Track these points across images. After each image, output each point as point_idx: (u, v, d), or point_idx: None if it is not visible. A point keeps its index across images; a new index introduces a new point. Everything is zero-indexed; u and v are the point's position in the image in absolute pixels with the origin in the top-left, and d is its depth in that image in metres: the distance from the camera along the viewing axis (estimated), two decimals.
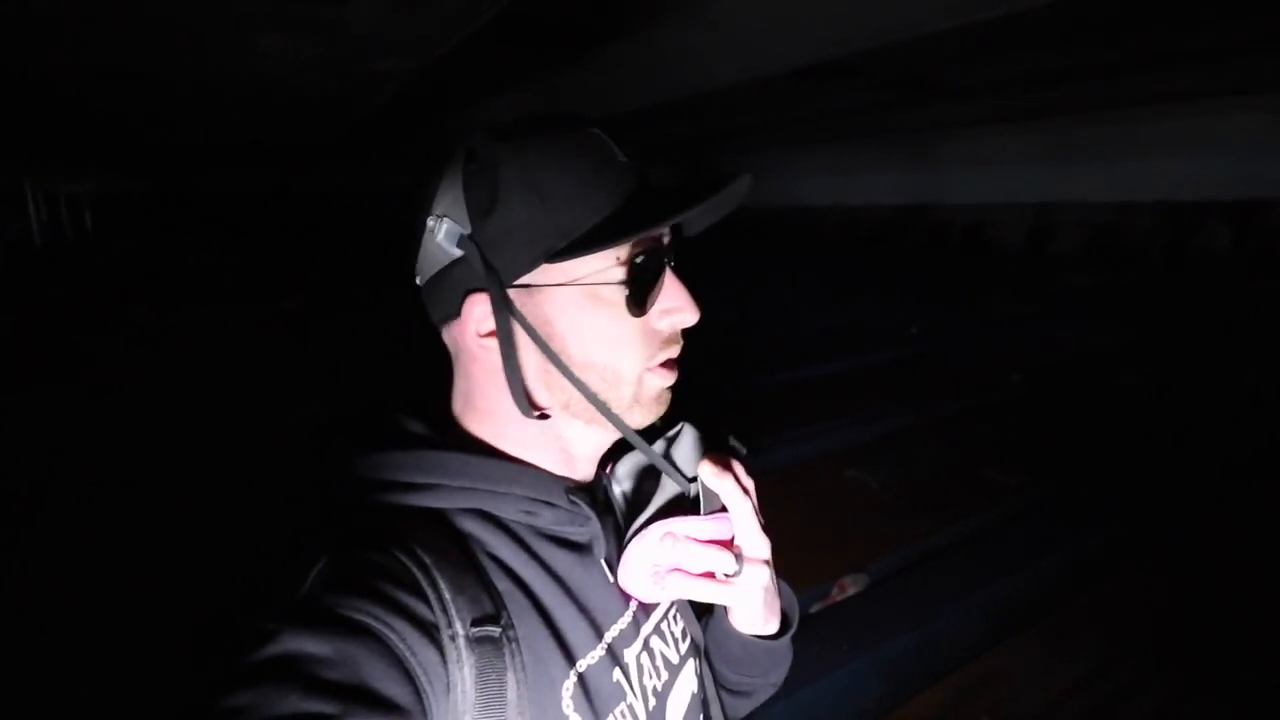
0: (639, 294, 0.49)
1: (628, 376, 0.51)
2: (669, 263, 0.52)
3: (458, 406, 0.56)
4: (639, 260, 0.49)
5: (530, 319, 0.49)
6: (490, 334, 0.50)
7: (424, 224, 0.50)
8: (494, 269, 0.48)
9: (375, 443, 0.52)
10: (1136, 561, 3.01)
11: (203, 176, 13.65)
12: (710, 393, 4.53)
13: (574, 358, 0.50)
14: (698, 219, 0.54)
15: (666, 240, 0.52)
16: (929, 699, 2.15)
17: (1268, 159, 6.67)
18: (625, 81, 6.48)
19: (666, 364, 0.53)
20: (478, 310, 0.50)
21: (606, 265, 0.49)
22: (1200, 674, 2.30)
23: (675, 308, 0.52)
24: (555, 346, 0.50)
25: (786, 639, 0.60)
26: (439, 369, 0.57)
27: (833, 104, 7.60)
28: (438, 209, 0.50)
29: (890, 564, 2.82)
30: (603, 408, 0.50)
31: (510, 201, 0.48)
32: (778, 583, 0.60)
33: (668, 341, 0.53)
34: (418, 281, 0.54)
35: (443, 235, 0.49)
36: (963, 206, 12.48)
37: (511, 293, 0.49)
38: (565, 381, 0.50)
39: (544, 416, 0.52)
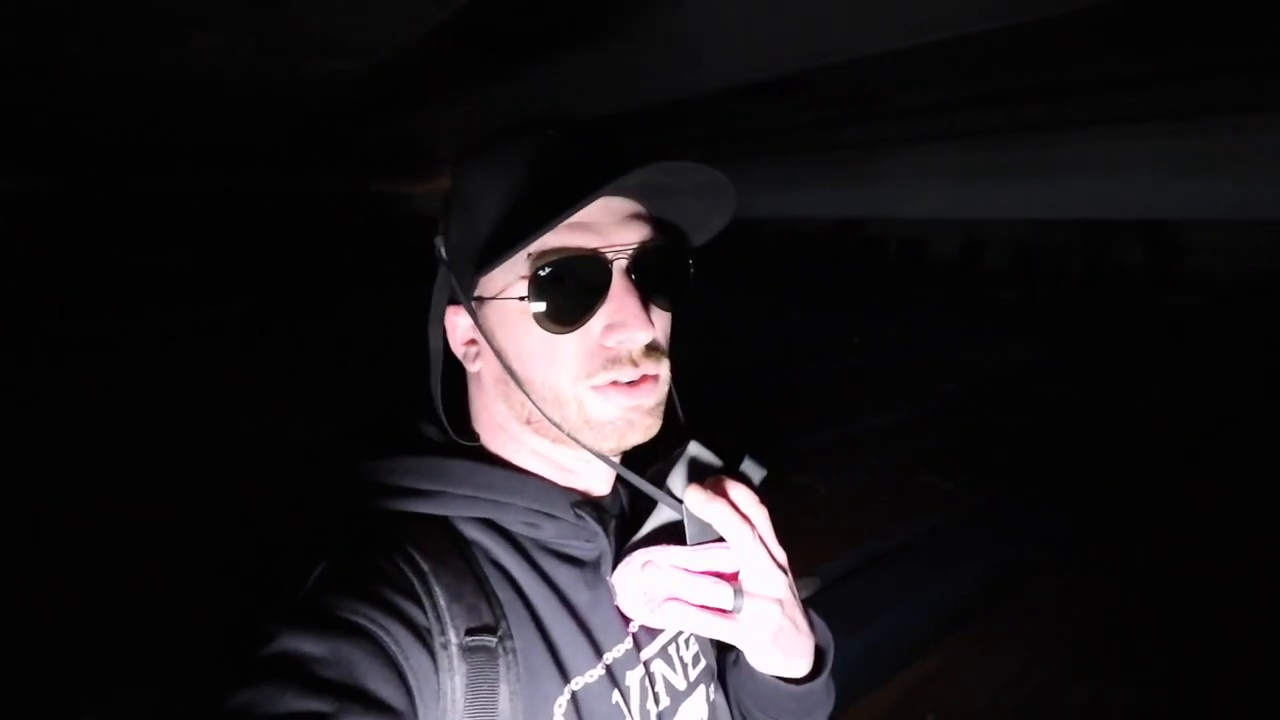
0: (550, 308, 0.46)
1: (566, 396, 0.48)
2: (623, 270, 0.47)
3: (470, 414, 0.56)
4: (543, 273, 0.46)
5: (484, 331, 0.50)
6: (466, 344, 0.52)
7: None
8: (457, 281, 0.50)
9: (386, 447, 0.52)
10: (1063, 560, 3.17)
11: (137, 177, 12.96)
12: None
13: (519, 373, 0.49)
14: (699, 220, 0.52)
15: (617, 248, 0.47)
16: (877, 699, 2.21)
17: (1174, 181, 7.16)
18: (573, 93, 6.50)
19: (629, 384, 0.48)
20: (454, 322, 0.52)
21: (514, 278, 0.47)
22: (1124, 663, 2.45)
23: (619, 323, 0.47)
24: (504, 360, 0.49)
25: (819, 684, 0.54)
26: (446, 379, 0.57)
27: (778, 120, 7.79)
28: (440, 223, 0.52)
29: (839, 568, 2.90)
30: (558, 426, 0.48)
31: (455, 217, 0.50)
32: (809, 619, 0.55)
33: (614, 361, 0.47)
34: None
35: (436, 252, 0.51)
36: (900, 221, 12.97)
37: (474, 305, 0.50)
38: (522, 395, 0.49)
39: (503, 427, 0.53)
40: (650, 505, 0.52)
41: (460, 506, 0.49)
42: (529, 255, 0.46)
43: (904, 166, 9.41)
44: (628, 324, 0.47)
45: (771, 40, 4.65)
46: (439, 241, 0.51)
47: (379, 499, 0.49)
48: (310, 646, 0.39)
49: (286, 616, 0.41)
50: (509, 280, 0.48)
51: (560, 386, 0.48)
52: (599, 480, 0.55)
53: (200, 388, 5.51)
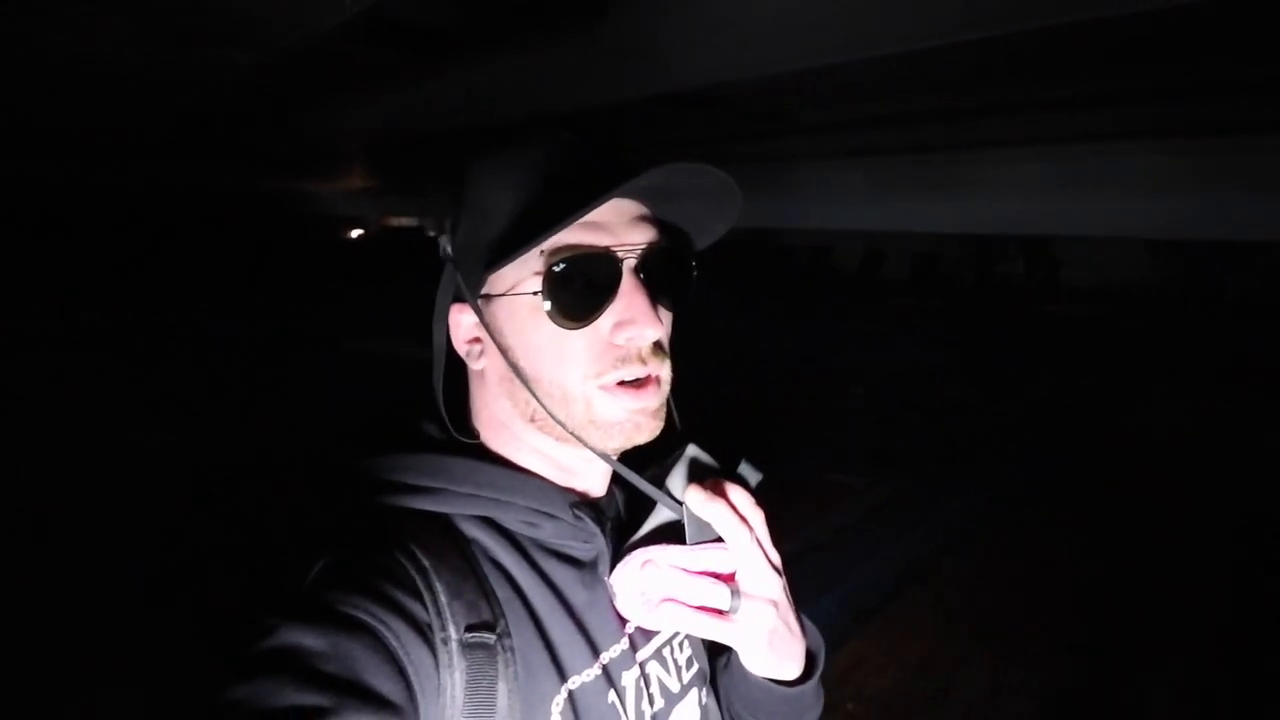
0: (564, 304, 0.47)
1: (574, 394, 0.48)
2: (631, 269, 0.48)
3: (472, 412, 0.55)
4: (557, 269, 0.46)
5: (490, 328, 0.50)
6: (469, 341, 0.52)
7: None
8: (464, 279, 0.50)
9: (388, 445, 0.52)
10: (966, 548, 3.38)
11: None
12: None
13: (525, 370, 0.49)
14: (704, 224, 0.53)
15: (627, 247, 0.48)
16: None
17: (1053, 201, 7.79)
18: (482, 96, 6.39)
19: (634, 384, 0.48)
20: (459, 320, 0.52)
21: (528, 274, 0.47)
22: (1020, 643, 2.62)
23: (629, 320, 0.47)
24: (510, 357, 0.49)
25: (809, 686, 0.54)
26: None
27: (694, 131, 7.94)
28: (444, 225, 0.53)
29: None
30: (562, 425, 0.48)
31: (464, 217, 0.50)
32: (801, 622, 0.55)
33: (623, 360, 0.48)
34: None
35: (442, 251, 0.51)
36: (809, 232, 13.48)
37: (481, 303, 0.50)
38: (527, 393, 0.49)
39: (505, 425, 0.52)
40: (647, 508, 0.52)
41: (461, 504, 0.49)
42: (542, 252, 0.47)
43: (814, 180, 9.80)
44: (637, 321, 0.47)
45: (690, 52, 4.73)
46: (444, 240, 0.51)
47: (379, 496, 0.49)
48: (310, 641, 0.39)
49: (287, 611, 0.41)
50: (521, 276, 0.48)
51: (568, 384, 0.48)
52: (597, 481, 0.55)
53: (81, 401, 5.05)
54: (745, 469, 0.53)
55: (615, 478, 0.56)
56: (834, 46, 4.37)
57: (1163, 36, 3.69)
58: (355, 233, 23.54)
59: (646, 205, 0.51)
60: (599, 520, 0.52)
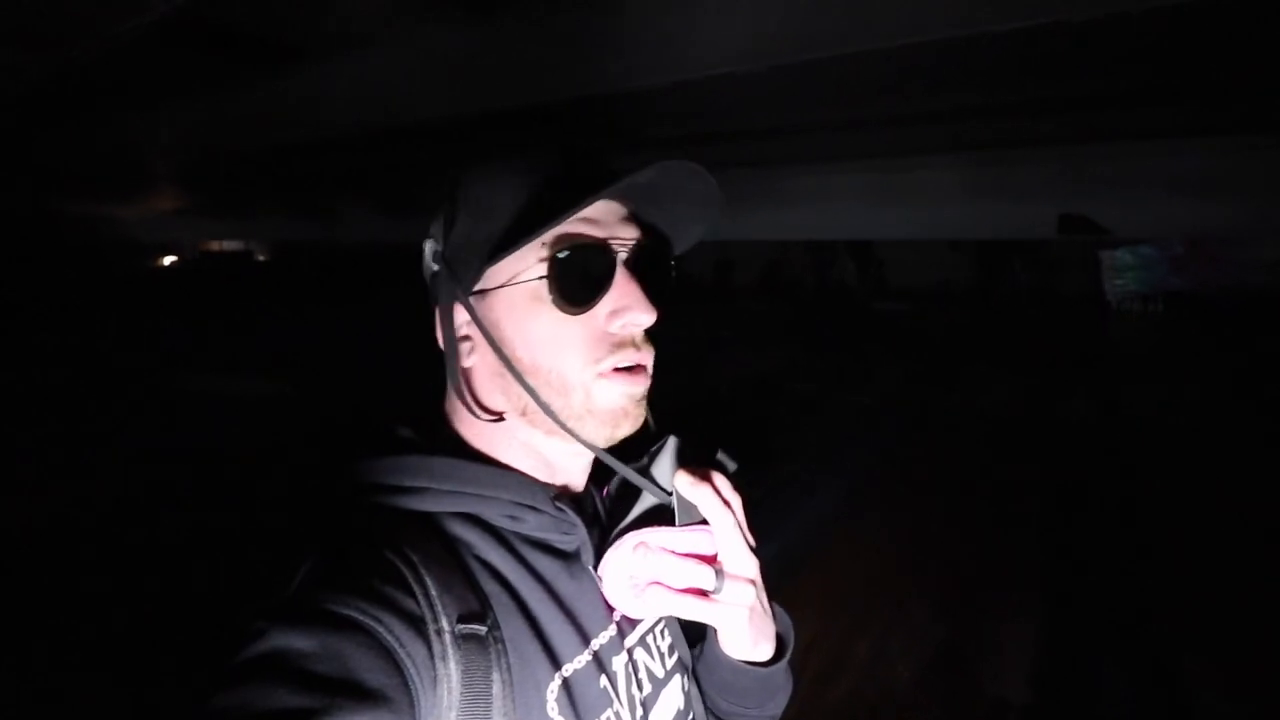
0: (568, 290, 0.49)
1: (573, 382, 0.50)
2: (623, 261, 0.51)
3: (450, 411, 0.56)
4: (561, 255, 0.49)
5: (484, 323, 0.51)
6: (463, 338, 0.53)
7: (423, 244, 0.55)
8: (455, 277, 0.52)
9: (367, 448, 0.52)
10: (837, 533, 3.63)
11: None
12: None
13: (522, 361, 0.50)
14: (684, 228, 0.57)
15: (621, 241, 0.51)
16: None
17: (876, 210, 8.62)
18: (313, 106, 6.03)
19: (628, 370, 0.51)
20: (450, 317, 0.53)
21: (532, 263, 0.50)
22: (897, 614, 2.86)
23: (624, 307, 0.50)
24: (506, 350, 0.51)
25: (781, 666, 0.57)
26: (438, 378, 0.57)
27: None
28: (430, 232, 0.55)
29: None
30: (553, 416, 0.50)
31: (461, 216, 0.52)
32: (771, 606, 0.57)
33: (620, 345, 0.51)
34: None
35: (428, 254, 0.54)
36: None
37: (473, 300, 0.52)
38: (519, 387, 0.50)
39: (499, 419, 0.53)
40: (628, 501, 0.54)
41: (444, 502, 0.50)
42: (543, 243, 0.50)
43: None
44: (632, 307, 0.50)
45: (529, 70, 4.75)
46: (431, 245, 0.54)
47: (363, 498, 0.49)
48: (301, 642, 0.39)
49: (276, 613, 0.41)
50: (521, 267, 0.50)
51: (568, 372, 0.50)
52: (577, 476, 0.57)
53: None
54: (722, 457, 0.55)
55: (592, 476, 0.58)
56: (680, 65, 4.57)
57: (949, 67, 4.21)
58: (168, 260, 21.17)
59: (633, 207, 0.54)
60: (580, 512, 0.53)
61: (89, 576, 2.97)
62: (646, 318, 0.51)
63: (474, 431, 0.54)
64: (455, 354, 0.53)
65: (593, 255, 0.50)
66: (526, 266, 0.50)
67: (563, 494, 0.54)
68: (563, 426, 0.50)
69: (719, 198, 0.54)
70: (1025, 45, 3.63)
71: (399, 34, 4.72)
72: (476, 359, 0.53)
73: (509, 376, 0.50)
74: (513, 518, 0.51)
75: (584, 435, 0.50)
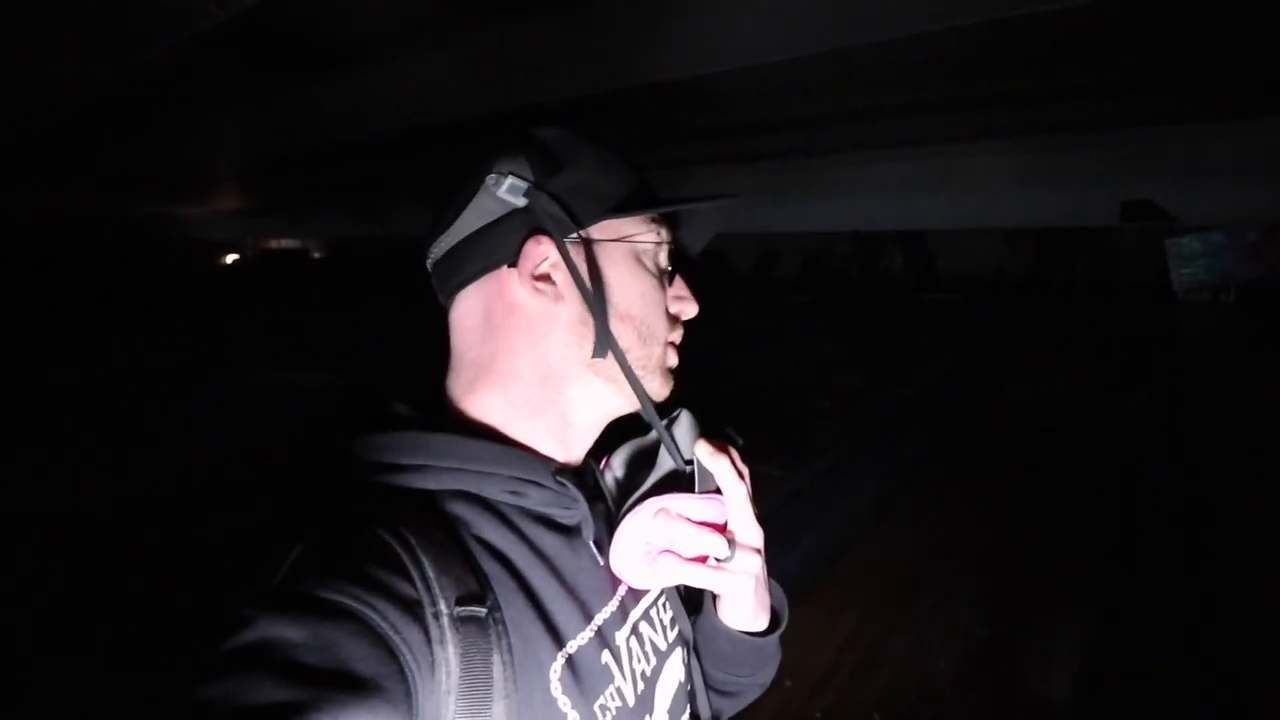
0: (670, 266, 0.56)
1: (659, 336, 0.55)
2: (678, 260, 0.58)
3: (464, 379, 0.55)
4: (668, 237, 0.56)
5: (581, 270, 0.52)
6: (542, 277, 0.52)
7: (479, 180, 0.52)
8: (559, 218, 0.52)
9: (363, 426, 0.51)
10: (876, 529, 3.57)
11: None
12: None
13: (617, 308, 0.53)
14: (699, 237, 0.63)
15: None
16: None
17: (920, 198, 8.42)
18: (372, 109, 6.18)
19: (675, 346, 0.57)
20: (537, 252, 0.52)
21: (642, 230, 0.55)
22: (938, 608, 2.81)
23: (684, 296, 0.57)
24: (603, 294, 0.52)
25: (775, 637, 0.59)
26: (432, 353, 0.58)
27: None
28: (500, 166, 0.52)
29: None
30: (629, 365, 0.52)
31: (579, 165, 0.53)
32: (768, 578, 0.59)
33: (675, 323, 0.57)
34: (439, 249, 0.55)
35: (505, 188, 0.51)
36: None
37: (568, 244, 0.52)
38: (600, 334, 0.52)
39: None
40: (638, 469, 0.57)
41: (443, 479, 0.49)
42: (654, 219, 0.55)
43: (704, 185, 10.08)
44: (689, 299, 0.58)
45: (579, 61, 4.77)
46: (511, 180, 0.51)
47: (362, 476, 0.49)
48: (290, 631, 0.38)
49: (264, 601, 0.39)
50: (636, 231, 0.54)
51: (656, 327, 0.54)
52: (579, 450, 0.57)
53: None
54: (731, 431, 0.57)
55: (590, 450, 0.58)
56: (720, 56, 4.53)
57: (999, 50, 4.07)
58: (230, 258, 22.04)
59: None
60: (580, 486, 0.54)
61: (156, 563, 3.13)
62: (694, 309, 0.58)
63: (478, 406, 0.54)
64: (535, 298, 0.52)
65: (676, 246, 0.57)
66: (640, 231, 0.54)
67: (563, 469, 0.54)
68: (636, 375, 0.53)
69: (724, 224, 0.62)
70: (1086, 24, 3.49)
71: (441, 35, 4.80)
72: (564, 307, 0.52)
73: (591, 324, 0.52)
74: (514, 493, 0.51)
75: (652, 388, 0.54)
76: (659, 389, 0.55)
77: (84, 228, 12.93)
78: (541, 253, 0.52)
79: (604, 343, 0.52)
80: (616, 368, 0.52)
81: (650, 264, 0.55)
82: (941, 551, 3.30)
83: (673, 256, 0.57)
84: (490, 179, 0.52)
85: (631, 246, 0.54)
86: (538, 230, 0.52)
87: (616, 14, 4.36)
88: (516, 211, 0.52)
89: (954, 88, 5.31)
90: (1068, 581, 3.03)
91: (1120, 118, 6.05)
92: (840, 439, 4.89)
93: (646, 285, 0.54)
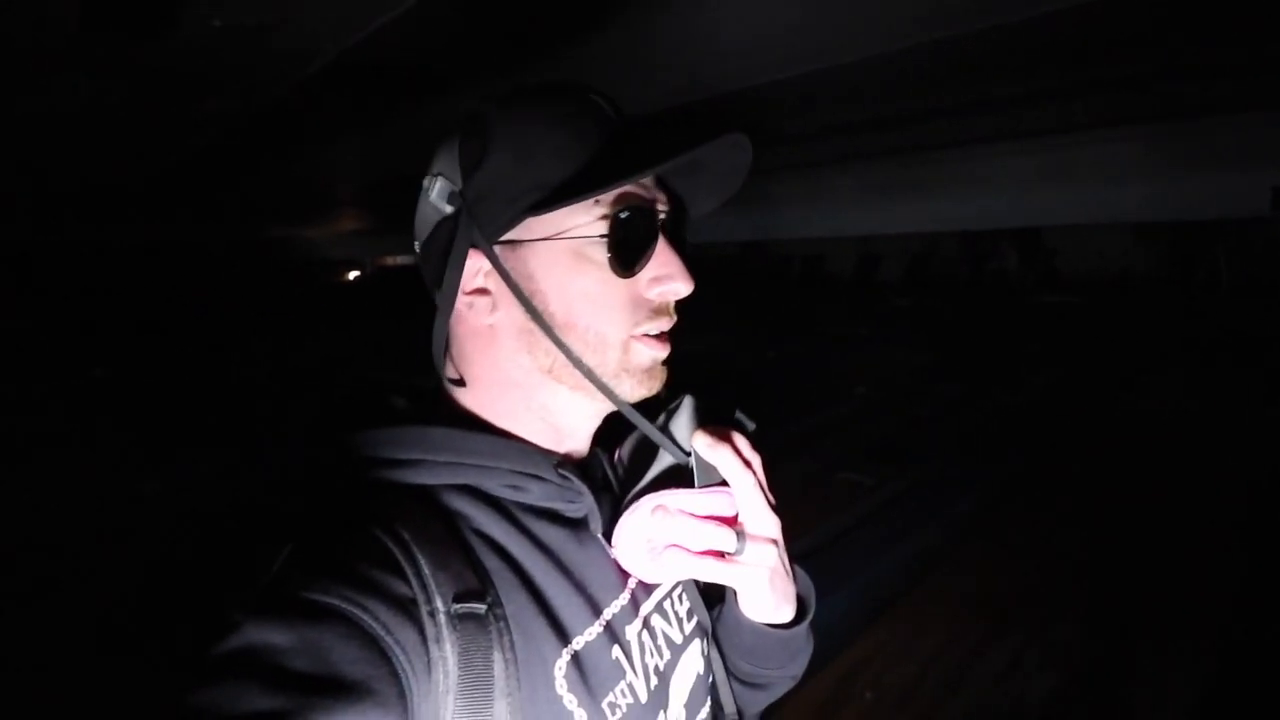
0: (623, 252, 0.47)
1: (612, 341, 0.48)
2: (663, 229, 0.50)
3: (451, 377, 0.54)
4: (622, 216, 0.47)
5: (515, 275, 0.48)
6: (476, 291, 0.49)
7: (421, 184, 0.50)
8: (480, 223, 0.47)
9: (362, 421, 0.50)
10: (972, 542, 3.38)
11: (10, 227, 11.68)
12: None
13: (556, 317, 0.48)
14: (705, 197, 0.54)
15: (661, 205, 0.50)
16: (816, 686, 2.28)
17: (1037, 193, 7.87)
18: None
19: (658, 336, 0.50)
20: (468, 265, 0.49)
21: (589, 220, 0.47)
22: (1036, 626, 2.62)
23: (666, 275, 0.49)
24: (538, 304, 0.48)
25: (803, 628, 0.55)
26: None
27: None
28: (435, 168, 0.50)
29: None
30: (587, 372, 0.48)
31: (496, 156, 0.47)
32: (792, 567, 0.55)
33: (657, 312, 0.50)
34: (416, 247, 0.53)
35: (435, 193, 0.49)
36: (800, 241, 13.55)
37: (498, 249, 0.48)
38: (548, 343, 0.48)
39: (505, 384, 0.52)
40: (641, 462, 0.53)
41: (441, 474, 0.48)
42: (597, 201, 0.47)
43: (801, 189, 9.90)
44: (674, 276, 0.49)
45: (673, 67, 4.83)
46: (440, 183, 0.49)
47: (360, 472, 0.47)
48: (277, 636, 0.36)
49: (251, 605, 0.38)
50: (571, 223, 0.47)
51: (607, 332, 0.48)
52: (582, 442, 0.55)
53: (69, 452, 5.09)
54: (741, 416, 0.54)
55: (600, 441, 0.56)
56: (811, 55, 4.46)
57: (1126, 27, 3.77)
58: (352, 274, 23.74)
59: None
60: (585, 478, 0.51)
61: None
62: (686, 287, 0.50)
63: (476, 400, 0.52)
64: (451, 308, 0.50)
65: (646, 219, 0.48)
66: (578, 223, 0.47)
67: (566, 461, 0.52)
68: (599, 383, 0.48)
69: (745, 172, 0.51)
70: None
71: (526, 60, 4.97)
72: (500, 315, 0.49)
73: (538, 333, 0.48)
74: (515, 487, 0.49)
75: (620, 393, 0.49)
76: (632, 391, 0.50)
77: (231, 251, 14.39)
78: (473, 266, 0.49)
79: (552, 352, 0.48)
80: (577, 374, 0.48)
81: (597, 254, 0.47)
82: (1044, 568, 3.08)
83: (649, 229, 0.48)
84: (425, 182, 0.50)
85: (569, 242, 0.47)
86: (464, 241, 0.48)
87: (705, 19, 4.34)
88: (446, 219, 0.49)
89: (1076, 73, 4.96)
90: (1188, 611, 2.74)
91: (1269, 96, 5.45)
92: (937, 448, 4.66)
93: (590, 285, 0.48)
